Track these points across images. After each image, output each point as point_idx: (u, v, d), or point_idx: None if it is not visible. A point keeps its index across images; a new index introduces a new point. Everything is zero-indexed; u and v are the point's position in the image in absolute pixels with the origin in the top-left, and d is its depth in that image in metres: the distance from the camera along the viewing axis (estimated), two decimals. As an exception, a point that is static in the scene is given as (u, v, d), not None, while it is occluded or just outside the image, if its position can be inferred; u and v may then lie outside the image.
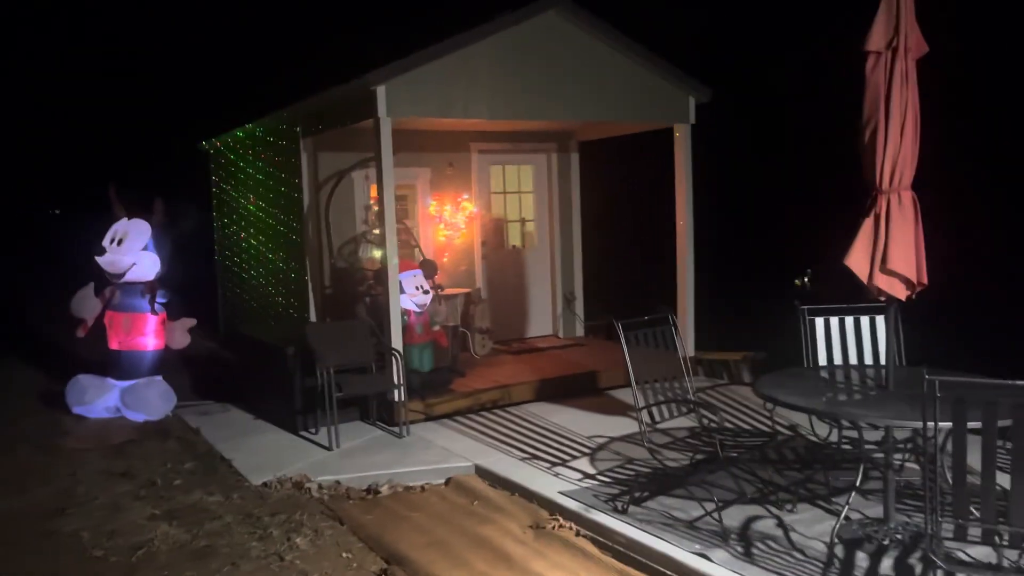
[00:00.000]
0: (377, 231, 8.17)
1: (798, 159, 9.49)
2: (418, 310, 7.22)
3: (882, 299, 4.12)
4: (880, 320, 5.26)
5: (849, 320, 5.32)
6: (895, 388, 4.23)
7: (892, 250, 3.94)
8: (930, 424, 3.14)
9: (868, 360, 5.21)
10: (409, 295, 7.15)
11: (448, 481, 5.73)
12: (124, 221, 7.27)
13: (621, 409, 7.07)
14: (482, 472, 5.75)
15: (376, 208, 8.43)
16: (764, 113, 10.02)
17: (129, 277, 7.16)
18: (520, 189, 9.97)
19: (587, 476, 5.44)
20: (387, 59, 6.81)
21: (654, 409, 5.01)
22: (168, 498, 5.20)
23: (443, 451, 6.15)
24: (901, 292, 4.02)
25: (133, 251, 7.06)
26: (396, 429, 6.63)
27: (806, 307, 5.32)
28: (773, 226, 9.78)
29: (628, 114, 8.19)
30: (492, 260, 9.66)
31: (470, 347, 8.94)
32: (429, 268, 7.56)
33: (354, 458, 6.05)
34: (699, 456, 5.56)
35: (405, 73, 6.83)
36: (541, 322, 10.05)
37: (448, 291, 8.93)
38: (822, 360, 5.26)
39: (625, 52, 7.93)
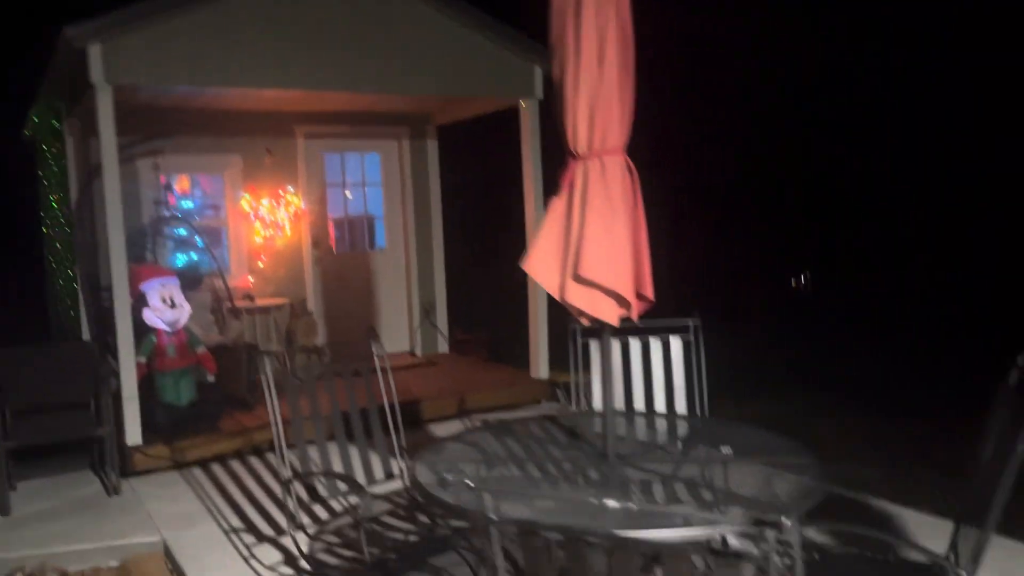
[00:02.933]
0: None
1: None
2: (168, 328, 5.77)
3: (583, 322, 2.67)
4: (676, 343, 3.83)
5: (637, 345, 3.89)
6: (619, 459, 2.79)
7: (588, 248, 2.49)
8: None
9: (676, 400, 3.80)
10: (154, 308, 5.69)
11: (122, 565, 4.27)
12: None
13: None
14: (169, 553, 4.30)
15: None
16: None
17: None
18: (365, 181, 8.52)
19: (288, 560, 3.99)
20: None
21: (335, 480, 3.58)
22: None
23: (145, 518, 4.68)
24: (610, 314, 2.57)
25: None
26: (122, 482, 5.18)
27: (578, 327, 3.89)
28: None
29: (458, 87, 6.74)
30: (329, 265, 8.21)
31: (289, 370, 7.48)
32: (190, 276, 6.11)
33: (21, 528, 4.58)
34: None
35: (131, 28, 5.38)
36: (396, 338, 8.57)
37: (260, 302, 7.50)
38: (599, 400, 3.84)
39: (453, 13, 6.50)
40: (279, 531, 4.34)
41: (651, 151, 2.76)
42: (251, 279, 7.64)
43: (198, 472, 5.49)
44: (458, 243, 8.80)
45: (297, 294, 7.86)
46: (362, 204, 8.51)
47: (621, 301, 2.54)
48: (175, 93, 6.30)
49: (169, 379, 5.83)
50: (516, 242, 9.32)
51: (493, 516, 1.76)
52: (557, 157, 7.20)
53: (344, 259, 8.34)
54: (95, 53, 5.26)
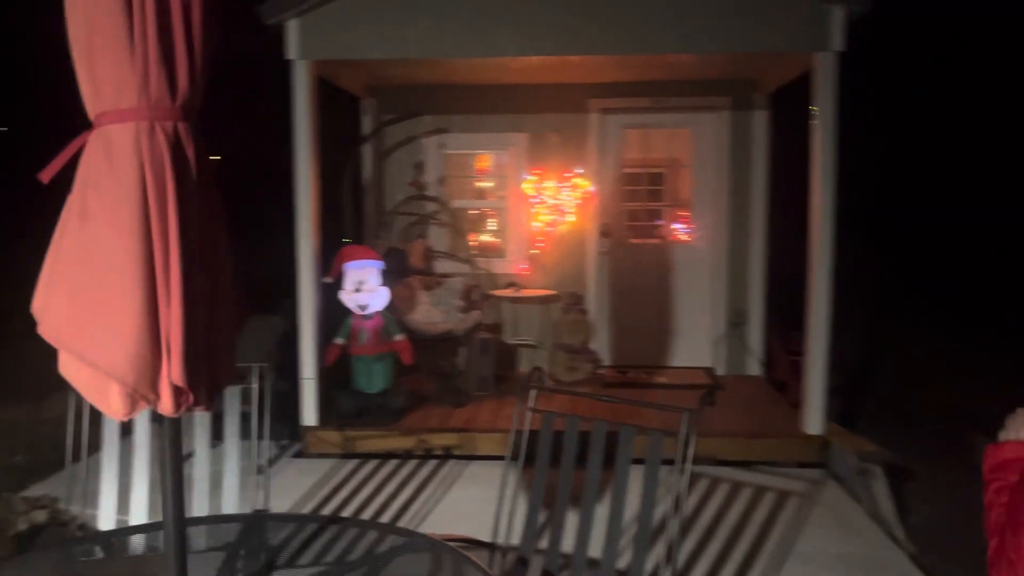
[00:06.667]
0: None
1: None
2: (362, 313, 5.55)
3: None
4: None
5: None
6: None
7: (63, 293, 1.41)
8: None
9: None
10: (344, 290, 5.53)
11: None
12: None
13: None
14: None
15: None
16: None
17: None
18: (671, 162, 7.28)
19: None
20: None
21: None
22: None
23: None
24: (115, 406, 1.43)
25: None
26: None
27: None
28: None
29: (715, 41, 5.22)
30: (619, 258, 7.20)
31: (549, 368, 6.81)
32: (393, 260, 5.80)
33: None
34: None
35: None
36: (693, 351, 7.21)
37: (527, 292, 6.93)
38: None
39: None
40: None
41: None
42: (526, 267, 7.11)
43: (352, 464, 5.23)
44: (783, 241, 7.03)
45: (574, 287, 7.07)
46: (668, 189, 7.31)
47: (137, 390, 1.40)
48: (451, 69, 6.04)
49: (361, 364, 5.64)
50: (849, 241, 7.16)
51: None
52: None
53: (638, 252, 7.27)
54: (293, 28, 5.20)
